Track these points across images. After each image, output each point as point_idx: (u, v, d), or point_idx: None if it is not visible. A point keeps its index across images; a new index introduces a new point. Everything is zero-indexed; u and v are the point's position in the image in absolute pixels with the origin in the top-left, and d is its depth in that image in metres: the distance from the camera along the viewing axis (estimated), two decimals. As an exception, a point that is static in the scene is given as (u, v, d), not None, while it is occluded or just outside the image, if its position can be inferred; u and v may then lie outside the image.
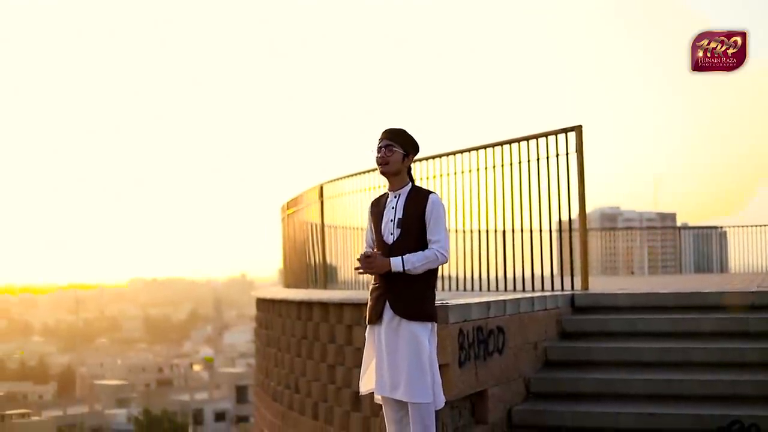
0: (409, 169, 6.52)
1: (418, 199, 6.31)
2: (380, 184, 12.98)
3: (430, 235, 6.26)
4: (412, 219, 6.29)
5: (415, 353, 6.17)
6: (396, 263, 6.19)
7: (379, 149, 6.39)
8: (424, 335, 6.22)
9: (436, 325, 6.38)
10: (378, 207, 6.54)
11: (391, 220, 6.37)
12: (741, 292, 11.39)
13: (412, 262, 6.18)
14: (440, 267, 6.49)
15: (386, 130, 6.44)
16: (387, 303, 6.29)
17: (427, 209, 6.26)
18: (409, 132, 6.46)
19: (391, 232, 6.35)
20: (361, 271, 6.35)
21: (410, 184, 6.45)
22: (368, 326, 6.47)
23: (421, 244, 6.29)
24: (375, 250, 6.45)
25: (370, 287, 6.51)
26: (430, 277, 6.36)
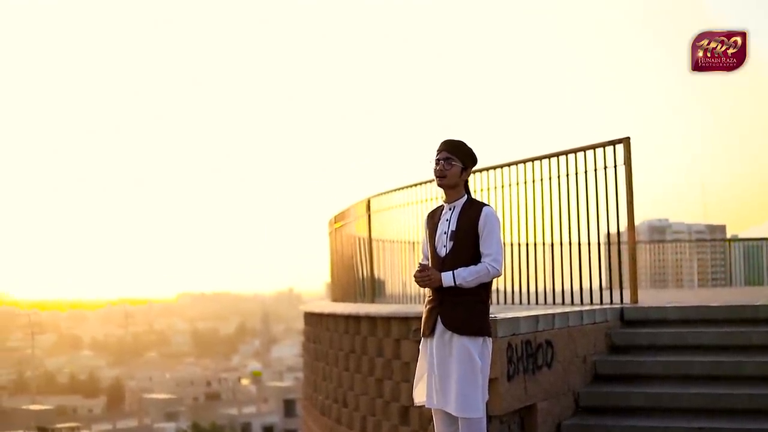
0: (466, 181, 6.51)
1: (472, 211, 6.30)
2: (428, 197, 12.99)
3: (483, 249, 6.25)
4: (465, 231, 6.28)
5: (466, 367, 6.16)
6: (447, 278, 6.19)
7: (438, 161, 6.37)
8: (475, 349, 6.20)
9: (489, 339, 6.35)
10: (434, 219, 6.53)
11: (445, 233, 6.36)
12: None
13: (463, 276, 6.17)
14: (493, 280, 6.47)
15: (445, 141, 6.41)
16: (438, 317, 6.29)
17: (480, 222, 6.24)
18: (468, 144, 6.44)
19: (444, 245, 6.35)
20: (420, 282, 6.35)
21: (466, 196, 6.43)
22: (422, 338, 6.48)
23: (474, 257, 6.27)
24: (429, 262, 6.47)
25: (425, 300, 6.52)
26: (481, 291, 6.34)
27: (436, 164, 6.38)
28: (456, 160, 6.32)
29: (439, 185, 6.46)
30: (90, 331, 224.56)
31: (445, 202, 6.49)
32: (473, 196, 6.59)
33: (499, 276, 6.36)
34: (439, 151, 6.38)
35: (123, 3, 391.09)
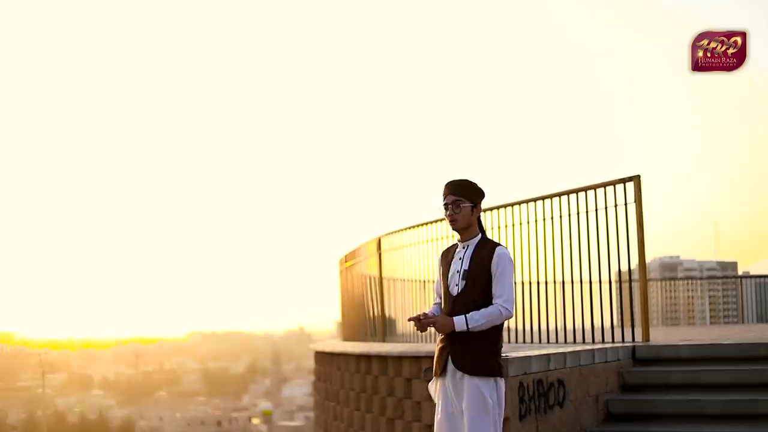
0: (479, 218, 6.51)
1: (485, 251, 6.29)
2: (439, 236, 13.00)
3: (495, 290, 6.23)
4: (478, 271, 6.26)
5: (478, 407, 6.13)
6: (459, 323, 6.16)
7: (446, 206, 6.37)
8: (486, 390, 6.17)
9: (501, 380, 6.31)
10: (447, 258, 6.52)
11: (458, 272, 6.35)
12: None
13: (476, 320, 6.15)
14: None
15: (448, 185, 6.39)
16: (449, 357, 6.27)
17: (493, 262, 6.22)
18: (472, 181, 6.43)
19: (456, 284, 6.33)
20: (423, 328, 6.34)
21: (480, 235, 6.42)
22: (434, 378, 6.46)
23: (487, 296, 6.26)
24: (441, 301, 6.47)
25: (437, 338, 6.50)
26: (492, 332, 6.31)
27: (446, 209, 6.38)
28: (464, 200, 6.32)
29: (454, 229, 6.45)
30: (100, 371, 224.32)
31: (459, 240, 6.48)
32: (487, 233, 6.57)
33: (511, 317, 6.32)
34: (445, 195, 6.38)
35: (122, 3, 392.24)
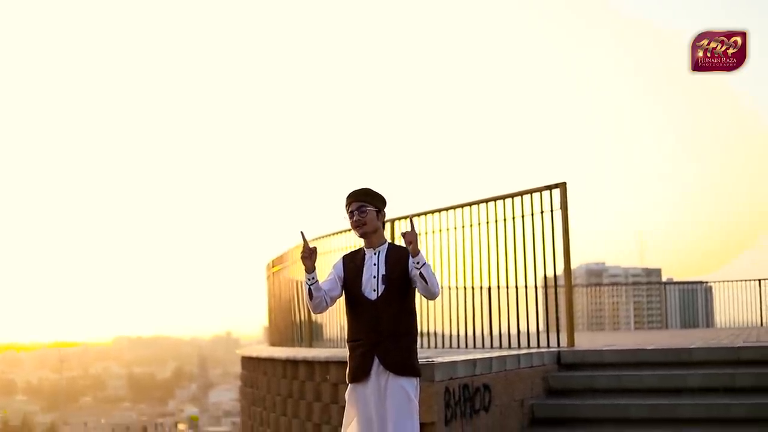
0: (384, 224, 6.55)
1: (400, 254, 6.30)
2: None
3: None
4: (396, 274, 6.27)
5: (403, 409, 6.12)
6: (421, 254, 6.13)
7: (352, 213, 6.39)
8: (411, 390, 6.19)
9: (419, 380, 6.35)
10: (354, 262, 6.50)
11: (374, 277, 6.33)
12: (727, 347, 11.40)
13: (429, 266, 6.14)
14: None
15: (351, 194, 6.41)
16: (376, 358, 6.25)
17: (410, 264, 6.24)
18: (372, 188, 6.47)
19: (374, 289, 6.31)
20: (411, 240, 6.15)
21: (387, 241, 6.46)
22: (351, 384, 6.40)
23: (407, 299, 6.29)
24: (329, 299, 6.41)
25: (349, 344, 6.47)
26: (413, 331, 6.35)
27: (351, 216, 6.40)
28: (369, 206, 6.35)
29: (361, 235, 6.45)
30: (24, 375, 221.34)
31: (366, 247, 6.48)
32: (419, 239, 6.55)
33: (438, 296, 6.33)
34: (349, 203, 6.40)
35: (122, 3, 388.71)
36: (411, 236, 6.10)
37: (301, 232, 6.35)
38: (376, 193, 6.46)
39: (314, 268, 6.33)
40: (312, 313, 8.54)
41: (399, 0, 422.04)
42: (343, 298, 6.50)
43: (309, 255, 6.26)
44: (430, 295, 6.22)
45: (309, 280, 6.31)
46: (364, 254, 6.47)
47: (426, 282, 6.08)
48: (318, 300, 6.36)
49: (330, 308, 6.49)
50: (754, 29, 12.42)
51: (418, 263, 6.09)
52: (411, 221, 6.22)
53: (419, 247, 6.13)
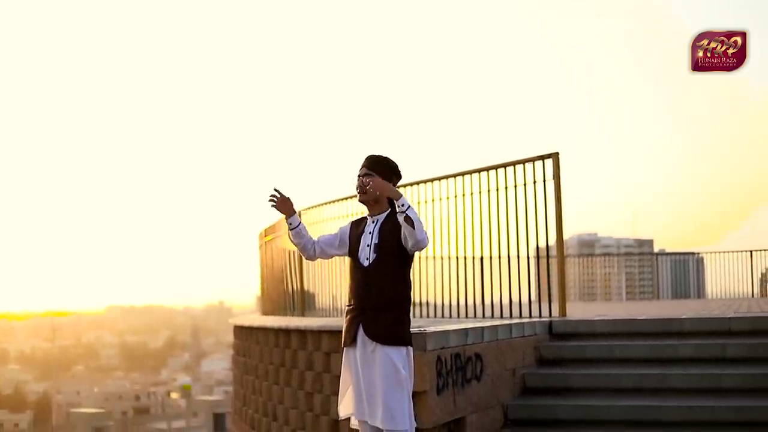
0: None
1: (394, 223, 6.28)
2: (360, 211, 12.99)
3: None
4: (389, 243, 6.27)
5: (391, 380, 6.13)
6: (404, 197, 6.12)
7: (358, 177, 6.39)
8: (399, 360, 6.18)
9: (411, 349, 6.34)
10: (358, 229, 6.52)
11: (368, 245, 6.34)
12: (718, 317, 11.43)
13: (413, 210, 6.12)
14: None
15: (368, 157, 6.42)
16: (360, 326, 6.27)
17: (402, 233, 6.22)
18: (391, 159, 6.44)
19: (366, 257, 6.33)
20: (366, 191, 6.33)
21: (389, 210, 6.43)
22: (344, 348, 6.44)
23: (398, 269, 6.29)
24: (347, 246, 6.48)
25: (345, 308, 6.50)
26: (404, 301, 6.33)
27: (357, 180, 6.40)
28: (376, 174, 6.33)
29: (360, 201, 6.47)
30: (17, 344, 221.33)
31: (369, 215, 6.49)
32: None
33: (427, 245, 6.27)
34: (361, 167, 6.41)
35: (121, 3, 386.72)
36: (369, 181, 6.25)
37: (275, 188, 6.46)
38: (391, 163, 6.43)
39: (293, 212, 6.51)
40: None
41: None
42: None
43: (279, 202, 6.45)
44: (417, 243, 6.12)
45: (289, 225, 6.51)
46: (366, 222, 6.49)
47: (413, 227, 6.02)
48: (302, 245, 6.59)
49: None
50: (754, 29, 12.38)
51: (402, 205, 6.04)
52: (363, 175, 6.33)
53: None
